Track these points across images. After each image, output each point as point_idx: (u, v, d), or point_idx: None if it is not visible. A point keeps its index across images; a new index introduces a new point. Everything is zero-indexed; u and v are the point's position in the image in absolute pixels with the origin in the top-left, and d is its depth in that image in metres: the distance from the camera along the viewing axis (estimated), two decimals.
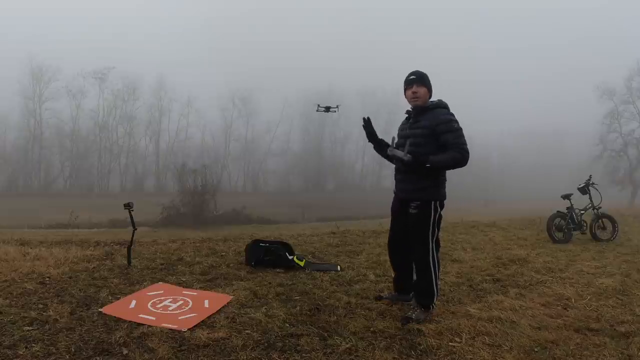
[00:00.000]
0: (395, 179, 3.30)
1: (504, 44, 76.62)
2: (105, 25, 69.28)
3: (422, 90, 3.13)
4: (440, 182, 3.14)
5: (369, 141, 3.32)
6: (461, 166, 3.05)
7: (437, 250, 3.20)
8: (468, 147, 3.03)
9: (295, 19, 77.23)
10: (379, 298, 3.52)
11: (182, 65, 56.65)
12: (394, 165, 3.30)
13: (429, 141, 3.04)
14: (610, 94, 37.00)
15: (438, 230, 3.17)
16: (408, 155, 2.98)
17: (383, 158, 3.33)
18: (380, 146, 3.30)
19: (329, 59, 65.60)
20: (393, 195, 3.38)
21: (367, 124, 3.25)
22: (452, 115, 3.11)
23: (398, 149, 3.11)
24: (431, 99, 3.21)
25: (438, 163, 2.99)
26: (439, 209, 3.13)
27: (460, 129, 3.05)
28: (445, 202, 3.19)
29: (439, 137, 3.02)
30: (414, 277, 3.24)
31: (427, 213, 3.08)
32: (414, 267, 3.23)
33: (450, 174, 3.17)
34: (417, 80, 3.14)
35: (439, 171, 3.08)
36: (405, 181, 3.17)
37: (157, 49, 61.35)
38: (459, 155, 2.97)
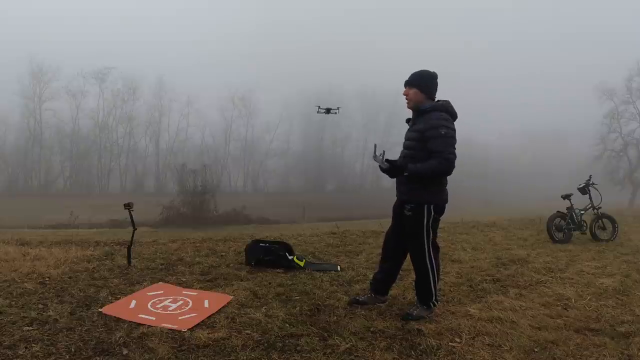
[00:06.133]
0: (396, 180, 3.29)
1: (504, 43, 76.59)
2: (105, 26, 69.13)
3: (411, 92, 3.10)
4: (433, 186, 3.06)
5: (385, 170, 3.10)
6: (444, 175, 3.04)
7: (437, 253, 3.21)
8: (455, 153, 2.95)
9: (295, 20, 77.20)
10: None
11: (182, 65, 56.62)
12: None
13: (421, 146, 2.99)
14: (610, 94, 36.98)
15: (434, 233, 3.15)
16: (385, 163, 3.00)
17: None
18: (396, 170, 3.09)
19: (329, 60, 65.45)
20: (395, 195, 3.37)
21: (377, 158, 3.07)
22: (445, 119, 2.98)
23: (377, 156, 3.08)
24: (437, 100, 3.15)
25: (415, 172, 2.98)
26: (432, 213, 3.07)
27: (448, 135, 2.93)
28: (445, 205, 3.15)
29: (427, 142, 2.95)
30: (402, 277, 3.25)
31: (420, 216, 3.05)
32: (413, 267, 3.24)
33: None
34: (408, 82, 3.12)
35: (425, 177, 3.02)
36: (402, 183, 3.18)
37: (157, 49, 61.13)
38: (438, 164, 2.91)
